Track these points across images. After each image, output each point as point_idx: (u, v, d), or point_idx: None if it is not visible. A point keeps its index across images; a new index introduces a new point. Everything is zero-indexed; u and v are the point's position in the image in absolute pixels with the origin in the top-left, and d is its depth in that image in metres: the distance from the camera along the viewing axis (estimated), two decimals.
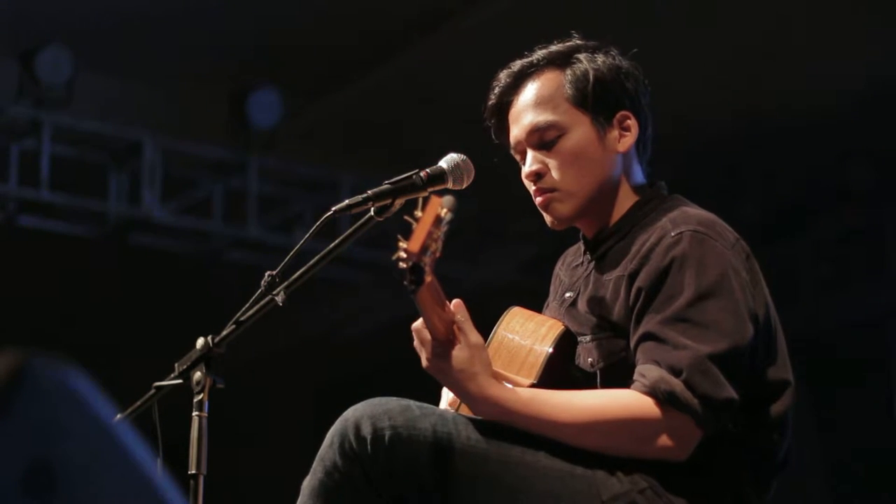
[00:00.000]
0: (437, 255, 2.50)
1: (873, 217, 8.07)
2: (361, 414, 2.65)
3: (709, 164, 7.82)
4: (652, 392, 2.66)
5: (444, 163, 2.85)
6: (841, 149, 7.89)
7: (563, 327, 2.86)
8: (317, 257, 2.82)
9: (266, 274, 2.81)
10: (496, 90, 2.98)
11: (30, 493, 1.52)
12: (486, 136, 3.03)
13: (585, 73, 2.91)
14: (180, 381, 2.84)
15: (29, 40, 7.45)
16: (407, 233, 2.47)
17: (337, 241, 2.84)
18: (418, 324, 2.73)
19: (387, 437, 2.62)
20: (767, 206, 8.24)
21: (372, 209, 2.81)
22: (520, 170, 2.96)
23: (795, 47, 7.26)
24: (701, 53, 7.23)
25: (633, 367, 2.73)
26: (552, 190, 2.89)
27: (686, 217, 2.81)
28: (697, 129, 7.40)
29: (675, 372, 2.65)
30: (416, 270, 2.49)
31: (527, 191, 2.96)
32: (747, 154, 8.05)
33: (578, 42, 2.97)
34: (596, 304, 2.83)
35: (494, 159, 3.02)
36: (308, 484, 2.69)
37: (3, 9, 7.36)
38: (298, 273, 2.82)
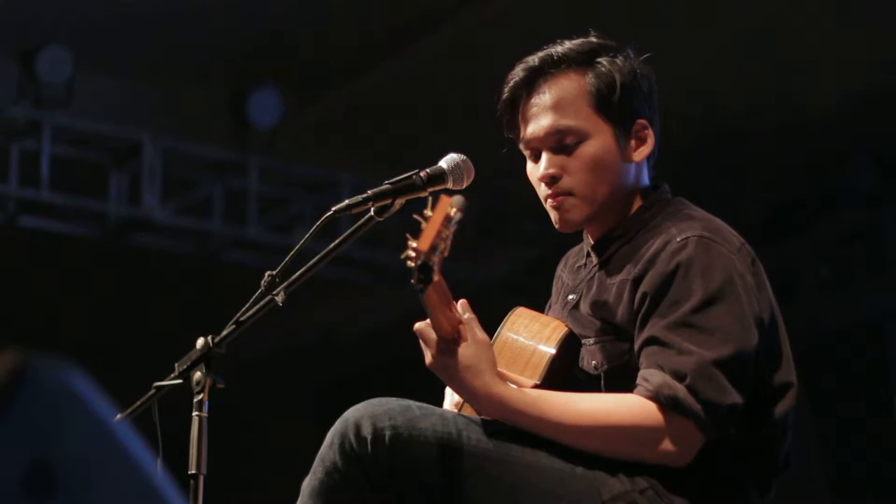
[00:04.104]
0: (446, 254, 2.50)
1: (873, 217, 8.06)
2: (362, 414, 2.65)
3: (709, 164, 7.81)
4: (655, 397, 2.65)
5: (444, 163, 2.84)
6: (841, 149, 7.89)
7: (567, 329, 2.85)
8: (317, 257, 2.82)
9: (266, 274, 2.81)
10: (511, 84, 2.91)
11: (30, 493, 1.52)
12: (486, 136, 3.01)
13: (611, 82, 2.86)
14: (180, 381, 2.84)
15: (29, 40, 7.45)
16: (416, 231, 2.46)
17: (337, 241, 2.84)
18: (421, 324, 2.72)
19: (387, 438, 2.62)
20: (768, 207, 8.24)
21: (372, 209, 2.81)
22: (522, 169, 2.95)
23: (795, 47, 7.26)
24: (701, 52, 7.23)
25: (636, 370, 2.73)
26: (567, 194, 2.87)
27: (691, 222, 2.80)
28: (698, 128, 7.39)
29: (679, 377, 2.65)
30: (425, 269, 2.47)
31: (529, 191, 2.94)
32: (748, 154, 8.05)
33: (597, 41, 2.91)
34: (599, 307, 2.82)
35: (504, 149, 3.00)
36: (308, 484, 2.69)
37: (3, 9, 7.35)
38: (298, 273, 2.82)
